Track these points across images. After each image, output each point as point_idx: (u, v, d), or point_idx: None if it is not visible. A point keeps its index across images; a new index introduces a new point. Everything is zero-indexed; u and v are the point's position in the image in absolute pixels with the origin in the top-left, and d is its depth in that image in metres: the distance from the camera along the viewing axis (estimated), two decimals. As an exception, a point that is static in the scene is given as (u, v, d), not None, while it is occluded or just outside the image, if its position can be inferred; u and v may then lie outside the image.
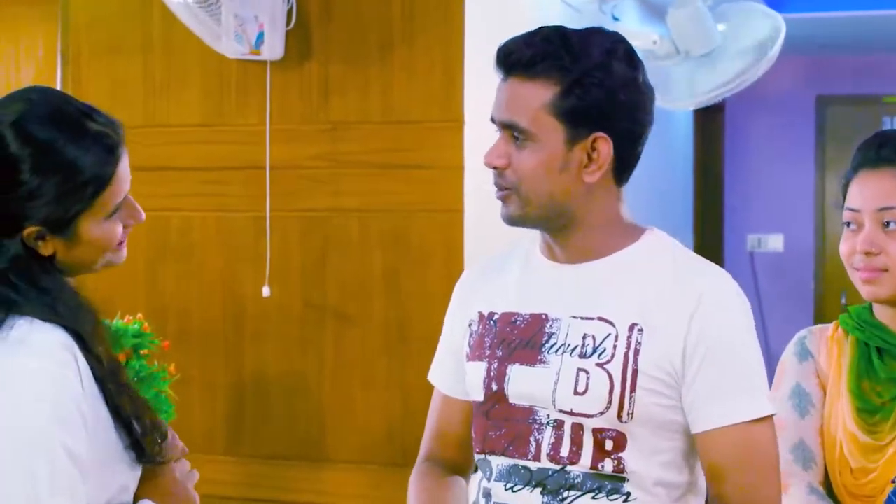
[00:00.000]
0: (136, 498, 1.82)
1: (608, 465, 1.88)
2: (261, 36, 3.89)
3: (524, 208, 1.93)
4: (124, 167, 1.81)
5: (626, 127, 1.92)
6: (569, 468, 1.89)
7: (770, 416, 1.91)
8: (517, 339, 1.97)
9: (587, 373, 1.89)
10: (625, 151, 1.93)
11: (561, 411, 1.90)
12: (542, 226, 1.98)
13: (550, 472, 1.90)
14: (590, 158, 1.90)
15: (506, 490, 1.94)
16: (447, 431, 2.14)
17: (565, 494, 1.89)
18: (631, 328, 1.89)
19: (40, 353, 1.70)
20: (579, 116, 1.88)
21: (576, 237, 1.96)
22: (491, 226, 3.81)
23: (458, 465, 2.13)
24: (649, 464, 1.89)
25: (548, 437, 1.91)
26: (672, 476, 1.92)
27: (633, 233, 1.99)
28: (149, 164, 4.12)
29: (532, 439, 1.92)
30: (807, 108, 8.25)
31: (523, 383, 1.94)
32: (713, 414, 1.87)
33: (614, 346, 1.89)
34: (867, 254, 2.14)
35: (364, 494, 4.00)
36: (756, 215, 8.29)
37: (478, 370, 2.00)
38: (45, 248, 1.77)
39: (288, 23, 3.97)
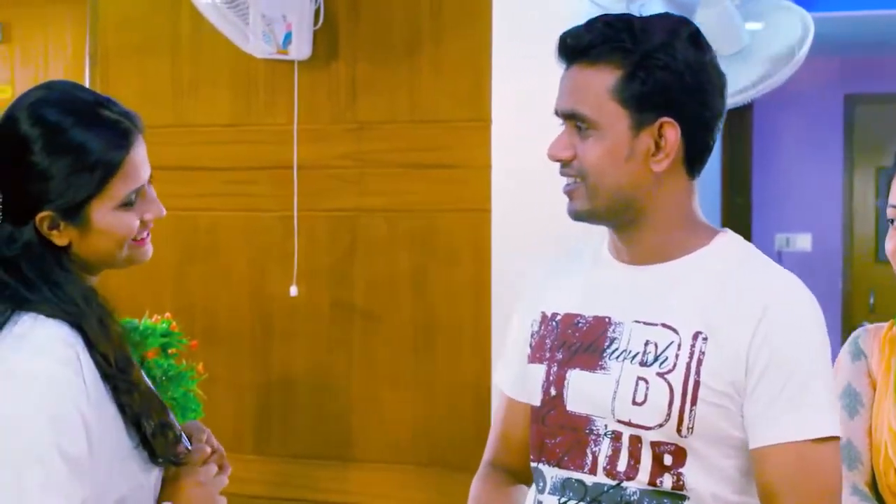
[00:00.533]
0: (159, 500, 1.82)
1: (667, 482, 1.78)
2: (288, 36, 3.89)
3: (592, 202, 1.83)
4: (138, 156, 1.81)
5: (695, 112, 1.81)
6: (625, 484, 1.79)
7: (835, 438, 1.76)
8: (578, 342, 1.88)
9: (647, 382, 1.79)
10: (695, 138, 1.82)
11: (619, 421, 1.80)
12: (610, 221, 1.88)
13: (606, 488, 1.81)
14: (657, 146, 1.80)
15: None
16: (511, 435, 2.04)
17: None
18: (695, 336, 1.78)
19: (41, 350, 1.70)
20: (644, 101, 1.78)
21: (644, 235, 1.86)
22: (518, 225, 3.85)
23: (521, 471, 2.02)
24: (709, 481, 1.78)
25: (605, 449, 1.81)
26: (731, 495, 1.80)
27: (704, 234, 1.88)
28: (177, 163, 4.14)
29: (589, 451, 1.83)
30: (835, 108, 8.19)
31: (582, 390, 1.85)
32: (769, 429, 1.75)
33: (676, 355, 1.78)
34: None
35: (391, 494, 4.00)
36: (784, 215, 8.23)
37: (538, 373, 1.92)
38: (60, 239, 1.79)
39: (315, 22, 3.97)
